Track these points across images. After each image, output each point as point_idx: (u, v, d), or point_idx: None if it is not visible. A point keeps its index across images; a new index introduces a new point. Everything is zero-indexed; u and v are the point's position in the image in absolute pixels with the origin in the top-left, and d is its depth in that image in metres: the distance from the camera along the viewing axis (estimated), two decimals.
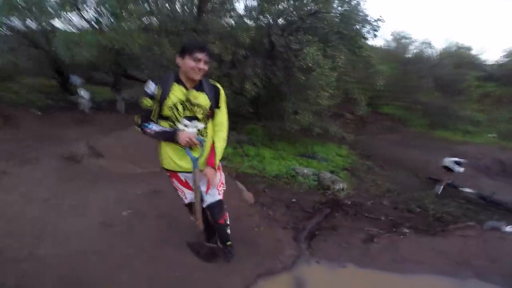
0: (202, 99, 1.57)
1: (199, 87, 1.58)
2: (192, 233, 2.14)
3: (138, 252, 1.97)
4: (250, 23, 5.52)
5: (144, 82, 7.75)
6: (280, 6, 6.06)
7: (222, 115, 1.69)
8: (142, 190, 2.95)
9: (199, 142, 1.52)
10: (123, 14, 4.14)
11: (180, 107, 1.53)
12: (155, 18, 4.98)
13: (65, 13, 4.82)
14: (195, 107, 1.56)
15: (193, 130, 1.56)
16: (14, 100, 6.86)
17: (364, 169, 5.58)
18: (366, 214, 3.12)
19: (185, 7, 6.00)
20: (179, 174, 1.72)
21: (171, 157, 1.63)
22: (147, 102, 1.53)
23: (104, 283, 1.68)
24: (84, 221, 2.32)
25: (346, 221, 2.90)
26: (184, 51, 1.48)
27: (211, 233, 2.04)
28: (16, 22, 5.54)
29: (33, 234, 2.07)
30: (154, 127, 1.53)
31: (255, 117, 8.95)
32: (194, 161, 1.56)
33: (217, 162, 1.67)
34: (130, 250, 1.98)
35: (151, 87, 1.51)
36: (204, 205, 1.77)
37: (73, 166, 3.56)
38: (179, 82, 1.54)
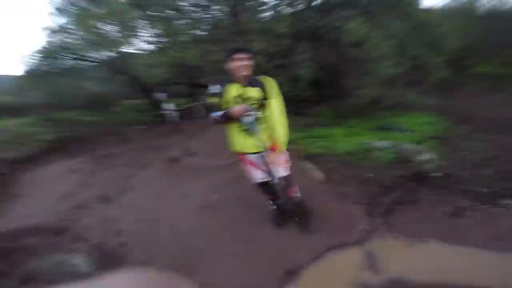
0: (254, 93, 1.92)
1: (250, 83, 1.94)
2: (265, 211, 2.45)
3: (224, 229, 2.43)
4: (286, 11, 5.34)
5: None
6: None
7: (274, 103, 1.96)
8: (227, 177, 3.52)
9: (248, 109, 1.87)
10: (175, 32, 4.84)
11: (236, 101, 1.92)
12: (200, 31, 5.51)
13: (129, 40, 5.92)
14: (248, 100, 1.91)
15: (250, 118, 1.90)
16: (120, 120, 8.74)
17: (460, 135, 4.74)
18: (461, 187, 2.75)
19: (222, 13, 6.34)
20: (247, 156, 2.07)
21: (238, 140, 2.03)
22: (212, 99, 1.98)
23: (202, 256, 2.18)
24: (187, 206, 2.99)
25: (431, 195, 2.66)
26: (228, 57, 1.88)
27: (284, 208, 2.33)
28: (99, 54, 7.10)
29: (154, 219, 2.82)
30: (218, 113, 1.95)
31: (320, 100, 8.75)
32: (252, 123, 1.90)
33: (279, 146, 1.94)
34: (219, 228, 2.47)
35: (213, 88, 1.97)
36: (275, 181, 2.08)
37: (175, 166, 4.48)
38: (234, 82, 1.93)
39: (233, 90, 1.94)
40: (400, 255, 1.98)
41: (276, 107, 1.95)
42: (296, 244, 2.12)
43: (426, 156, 3.50)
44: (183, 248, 2.30)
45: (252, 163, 2.09)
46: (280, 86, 2.04)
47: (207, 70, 5.80)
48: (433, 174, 3.09)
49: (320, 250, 2.03)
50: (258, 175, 2.12)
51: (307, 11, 5.65)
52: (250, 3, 5.33)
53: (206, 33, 5.37)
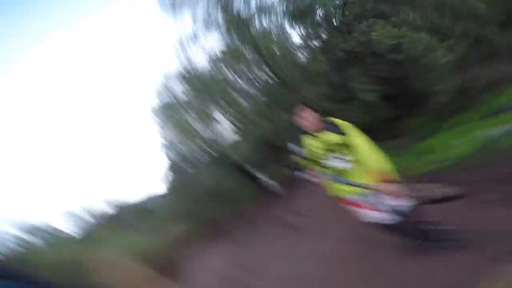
0: (332, 137, 1.90)
1: (325, 129, 1.94)
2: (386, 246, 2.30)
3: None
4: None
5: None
6: None
7: (358, 139, 1.87)
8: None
9: (333, 180, 1.96)
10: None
11: (319, 152, 1.96)
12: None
13: None
14: (330, 146, 1.91)
15: (340, 163, 1.91)
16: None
17: None
18: None
19: None
20: (347, 197, 1.98)
21: (334, 185, 1.99)
22: (294, 157, 2.14)
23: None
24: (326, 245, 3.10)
25: None
26: (294, 113, 2.00)
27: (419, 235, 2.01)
28: None
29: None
30: (302, 173, 2.14)
31: (400, 115, 8.05)
32: (339, 178, 1.94)
33: (384, 176, 1.77)
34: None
35: (293, 147, 2.11)
36: (403, 211, 1.82)
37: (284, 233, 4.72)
38: (307, 134, 2.01)
39: (311, 142, 1.98)
40: None
41: (363, 141, 1.86)
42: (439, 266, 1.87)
43: None
44: None
45: (355, 204, 1.97)
46: (354, 117, 2.18)
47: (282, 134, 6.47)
48: None
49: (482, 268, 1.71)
50: (366, 214, 1.96)
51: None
52: None
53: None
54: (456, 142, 4.34)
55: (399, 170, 4.46)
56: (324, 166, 2.00)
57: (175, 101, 8.03)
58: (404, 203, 1.81)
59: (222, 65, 6.91)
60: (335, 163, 1.93)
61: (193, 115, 7.81)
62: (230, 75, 6.90)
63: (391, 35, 5.08)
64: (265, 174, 8.79)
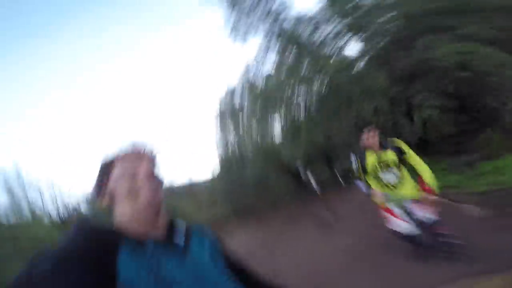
0: (389, 155, 2.33)
1: (383, 148, 2.37)
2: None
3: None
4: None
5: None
6: None
7: (411, 157, 2.30)
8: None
9: (382, 197, 2.33)
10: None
11: (377, 166, 2.36)
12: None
13: None
14: (387, 162, 2.32)
15: (391, 176, 2.31)
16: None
17: None
18: None
19: None
20: (393, 209, 2.33)
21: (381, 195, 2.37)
22: (359, 169, 2.49)
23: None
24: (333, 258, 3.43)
25: None
26: (362, 133, 2.46)
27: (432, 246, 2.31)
28: None
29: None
30: (360, 184, 2.51)
31: (470, 132, 7.37)
32: (387, 195, 2.31)
33: (432, 187, 2.17)
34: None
35: (353, 159, 2.56)
36: (426, 223, 2.23)
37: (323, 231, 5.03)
38: (369, 150, 2.43)
39: (371, 157, 2.39)
40: None
41: (417, 159, 2.27)
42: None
43: None
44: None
45: (394, 214, 2.34)
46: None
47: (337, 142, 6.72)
48: None
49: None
50: (401, 225, 2.32)
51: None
52: None
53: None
54: None
55: (455, 187, 4.37)
56: (378, 178, 2.39)
57: (235, 107, 9.11)
58: (429, 216, 2.20)
59: (281, 79, 7.55)
60: (388, 176, 2.32)
61: (250, 120, 8.71)
62: (288, 89, 7.50)
63: (457, 51, 4.91)
64: (311, 175, 9.03)
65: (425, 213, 2.19)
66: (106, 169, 0.72)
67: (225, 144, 9.58)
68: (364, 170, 2.43)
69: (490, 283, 1.89)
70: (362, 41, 6.77)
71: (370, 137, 2.35)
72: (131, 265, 0.61)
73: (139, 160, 0.73)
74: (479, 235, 2.44)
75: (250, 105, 8.61)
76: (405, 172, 2.32)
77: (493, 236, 2.39)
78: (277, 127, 8.34)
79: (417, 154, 2.33)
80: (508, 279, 1.86)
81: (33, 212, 8.09)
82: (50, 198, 7.76)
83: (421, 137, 6.09)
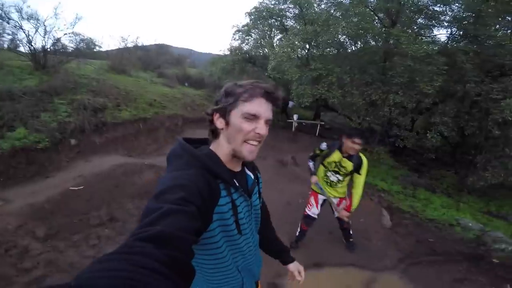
0: (348, 164, 2.54)
1: (350, 157, 2.52)
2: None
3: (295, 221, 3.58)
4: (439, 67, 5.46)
5: (337, 113, 9.53)
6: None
7: (360, 179, 2.55)
8: None
9: (316, 185, 2.76)
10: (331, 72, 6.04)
11: (332, 165, 2.63)
12: (348, 76, 6.42)
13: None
14: (341, 168, 2.59)
15: (335, 179, 2.68)
16: None
17: None
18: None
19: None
20: (319, 195, 2.84)
21: (321, 184, 2.79)
22: (316, 150, 2.76)
23: (276, 228, 3.39)
24: (279, 198, 4.32)
25: (470, 274, 2.94)
26: (349, 136, 2.40)
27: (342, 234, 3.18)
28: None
29: None
30: (311, 164, 2.81)
31: (446, 163, 8.16)
32: (322, 189, 2.79)
33: (352, 209, 2.62)
34: (292, 218, 3.64)
35: (323, 146, 2.70)
36: (335, 216, 2.88)
37: (282, 167, 5.94)
38: (340, 150, 2.56)
39: (336, 156, 2.58)
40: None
41: (361, 182, 2.56)
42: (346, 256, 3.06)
43: (502, 246, 3.46)
44: None
45: (317, 201, 2.85)
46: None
47: (341, 104, 6.82)
48: (492, 260, 3.16)
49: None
50: (314, 211, 2.89)
51: (466, 74, 5.57)
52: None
53: (349, 76, 6.25)
54: (441, 210, 4.98)
55: (389, 193, 5.24)
56: (325, 173, 2.74)
57: None
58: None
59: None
60: (333, 178, 2.68)
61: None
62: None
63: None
64: (295, 114, 9.55)
65: (335, 212, 2.83)
66: (230, 94, 0.79)
67: None
68: (323, 159, 2.69)
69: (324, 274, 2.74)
70: None
71: (356, 148, 2.38)
72: (224, 199, 0.78)
73: (266, 104, 0.79)
74: (372, 238, 3.43)
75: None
76: (345, 182, 2.68)
77: (380, 244, 3.36)
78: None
79: None
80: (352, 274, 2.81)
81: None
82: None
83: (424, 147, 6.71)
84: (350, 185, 2.72)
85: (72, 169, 4.62)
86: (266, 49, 9.16)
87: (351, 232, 3.12)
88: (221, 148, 0.83)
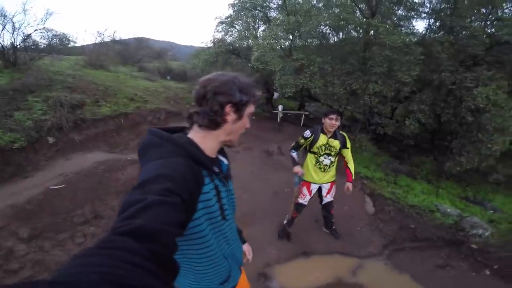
0: (335, 143, 2.70)
1: (334, 136, 2.70)
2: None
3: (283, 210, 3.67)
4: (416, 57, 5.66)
5: (321, 103, 9.67)
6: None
7: (349, 152, 2.77)
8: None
9: (298, 176, 2.80)
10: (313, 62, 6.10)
11: (323, 148, 2.71)
12: (330, 66, 6.52)
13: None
14: (331, 148, 2.71)
15: (327, 162, 2.76)
16: None
17: None
18: (493, 265, 3.01)
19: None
20: (311, 184, 2.89)
21: (312, 174, 2.83)
22: (301, 140, 2.77)
23: (264, 217, 3.51)
24: (266, 187, 4.39)
25: (451, 260, 3.10)
26: (325, 115, 2.66)
27: (326, 222, 3.30)
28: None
29: (242, 187, 4.31)
30: (294, 154, 2.80)
31: (425, 150, 8.51)
32: (298, 181, 2.88)
33: (353, 177, 2.77)
34: (280, 207, 3.74)
35: (307, 133, 2.73)
36: (323, 202, 3.03)
37: (267, 157, 6.00)
38: (323, 132, 2.71)
39: (323, 139, 2.68)
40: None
41: (350, 155, 2.78)
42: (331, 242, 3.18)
43: (479, 231, 3.67)
44: (252, 210, 3.73)
45: (309, 191, 2.91)
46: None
47: (323, 94, 6.92)
48: (471, 246, 3.34)
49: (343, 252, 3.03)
50: (306, 199, 2.97)
51: (442, 64, 5.81)
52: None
53: (330, 66, 6.36)
54: (421, 196, 5.25)
55: (372, 180, 5.44)
56: (316, 158, 2.77)
57: None
58: (329, 198, 3.01)
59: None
60: (326, 161, 2.76)
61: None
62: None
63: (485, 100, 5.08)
64: (280, 104, 9.61)
65: (328, 195, 2.98)
66: (245, 92, 0.84)
67: None
68: (310, 147, 2.74)
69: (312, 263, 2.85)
70: None
71: (333, 124, 2.57)
72: (208, 186, 0.80)
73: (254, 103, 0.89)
74: (354, 225, 3.58)
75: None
76: (335, 163, 2.80)
77: (364, 231, 3.51)
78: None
79: None
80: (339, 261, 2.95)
81: None
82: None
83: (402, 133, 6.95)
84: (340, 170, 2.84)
85: (51, 168, 4.46)
86: (250, 40, 9.05)
87: (333, 220, 3.23)
88: (211, 138, 0.85)
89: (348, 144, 2.77)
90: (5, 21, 6.96)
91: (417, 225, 3.81)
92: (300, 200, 3.00)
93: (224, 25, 10.26)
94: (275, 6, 9.52)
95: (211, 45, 10.33)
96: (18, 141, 4.49)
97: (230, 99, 0.81)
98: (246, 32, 9.72)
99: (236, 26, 10.25)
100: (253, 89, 0.87)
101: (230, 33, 10.36)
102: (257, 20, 10.18)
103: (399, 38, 5.29)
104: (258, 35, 8.64)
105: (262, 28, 10.25)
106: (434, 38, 6.64)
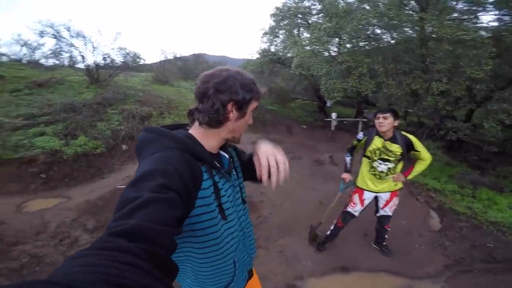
0: (395, 148, 2.27)
1: (393, 139, 2.28)
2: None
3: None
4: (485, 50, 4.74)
5: (378, 107, 9.00)
6: None
7: (421, 154, 2.26)
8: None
9: (345, 183, 2.55)
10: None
11: (377, 152, 2.34)
12: (381, 66, 5.94)
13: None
14: (389, 153, 2.29)
15: (384, 168, 2.34)
16: (291, 115, 10.83)
17: None
18: None
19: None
20: (365, 192, 2.50)
21: (366, 180, 2.47)
22: (355, 142, 2.51)
23: (304, 228, 3.24)
24: (312, 197, 4.20)
25: None
26: (374, 116, 2.33)
27: (377, 236, 2.88)
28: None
29: (285, 196, 4.18)
30: (348, 159, 2.57)
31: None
32: (342, 187, 2.62)
33: (411, 176, 2.32)
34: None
35: (360, 135, 2.47)
36: (378, 215, 2.65)
37: (317, 167, 5.77)
38: (379, 135, 2.34)
39: (377, 142, 2.32)
40: None
41: (425, 155, 2.26)
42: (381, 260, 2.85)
43: None
44: (293, 219, 3.58)
45: (361, 200, 2.54)
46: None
47: (380, 97, 6.44)
48: None
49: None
50: (356, 209, 2.61)
51: None
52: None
53: (382, 66, 5.82)
54: (508, 211, 4.27)
55: (443, 193, 4.71)
56: (371, 164, 2.41)
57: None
58: (387, 212, 2.61)
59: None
60: (382, 167, 2.35)
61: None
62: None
63: None
64: (334, 112, 9.25)
65: (385, 208, 2.57)
66: (247, 89, 0.80)
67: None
68: (364, 150, 2.42)
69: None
70: None
71: (384, 124, 2.21)
72: (207, 182, 0.76)
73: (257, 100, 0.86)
74: (413, 241, 3.13)
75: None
76: (398, 169, 2.35)
77: (422, 249, 3.03)
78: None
79: None
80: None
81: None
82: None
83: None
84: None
85: (123, 171, 5.18)
86: (293, 49, 9.09)
87: (386, 236, 2.82)
88: (212, 135, 0.82)
89: (418, 147, 2.25)
90: (86, 41, 8.17)
91: (497, 244, 3.16)
92: (349, 209, 2.65)
93: (268, 35, 10.56)
94: (315, 12, 9.40)
95: (258, 56, 10.69)
96: (100, 147, 5.39)
97: (232, 97, 0.77)
98: (288, 40, 9.80)
99: (279, 35, 10.42)
100: (256, 86, 0.83)
101: (274, 42, 10.59)
102: (300, 28, 10.15)
103: (457, 30, 4.55)
104: (301, 42, 8.58)
105: (305, 34, 10.19)
106: (506, 29, 5.49)
